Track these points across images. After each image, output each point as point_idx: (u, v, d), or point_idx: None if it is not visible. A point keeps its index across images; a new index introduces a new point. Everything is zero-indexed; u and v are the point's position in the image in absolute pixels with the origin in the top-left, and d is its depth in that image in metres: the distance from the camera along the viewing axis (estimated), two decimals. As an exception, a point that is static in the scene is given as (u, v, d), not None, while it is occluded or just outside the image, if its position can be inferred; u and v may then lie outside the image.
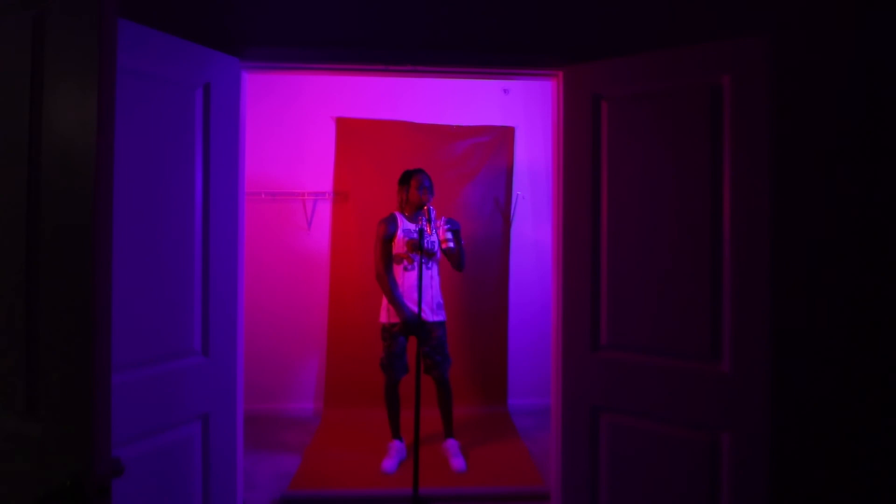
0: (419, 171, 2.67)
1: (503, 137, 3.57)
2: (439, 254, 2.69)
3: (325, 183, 3.53)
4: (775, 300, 1.50)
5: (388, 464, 2.59)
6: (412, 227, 2.63)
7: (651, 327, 1.59)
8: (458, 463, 2.62)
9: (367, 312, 3.46)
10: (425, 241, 2.53)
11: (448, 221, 2.43)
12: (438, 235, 2.41)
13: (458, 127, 3.52)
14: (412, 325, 2.54)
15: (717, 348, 1.50)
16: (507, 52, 1.79)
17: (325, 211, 3.54)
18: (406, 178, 2.68)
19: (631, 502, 1.62)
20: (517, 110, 3.60)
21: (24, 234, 0.95)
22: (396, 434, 2.75)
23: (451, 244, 2.39)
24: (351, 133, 3.51)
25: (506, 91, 3.59)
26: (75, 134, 0.90)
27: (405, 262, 2.62)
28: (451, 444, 2.73)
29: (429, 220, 2.23)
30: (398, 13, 1.78)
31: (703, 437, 1.52)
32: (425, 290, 2.58)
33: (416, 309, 2.55)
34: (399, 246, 2.61)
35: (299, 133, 3.51)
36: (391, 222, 2.63)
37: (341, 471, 2.58)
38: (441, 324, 2.66)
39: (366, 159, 3.50)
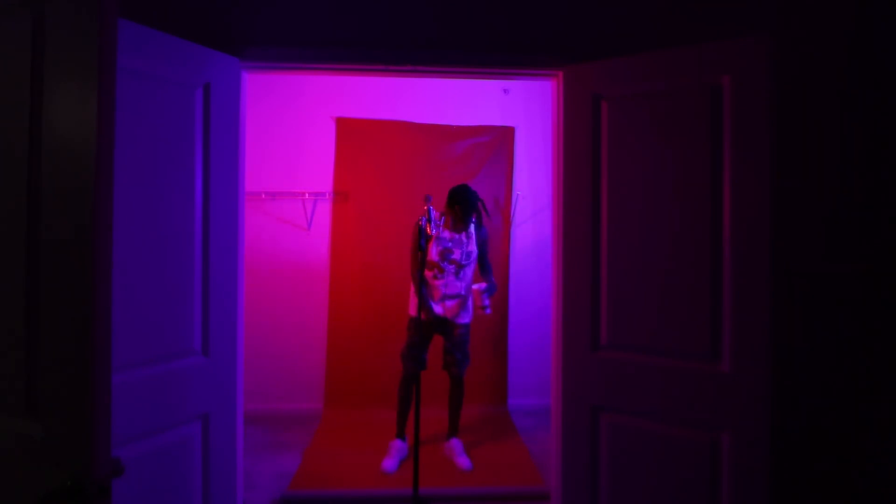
0: (464, 202, 2.54)
1: (503, 137, 3.57)
2: (473, 264, 2.74)
3: (325, 183, 3.53)
4: (775, 300, 1.50)
5: (389, 463, 2.59)
6: (446, 235, 2.65)
7: (651, 327, 1.59)
8: (463, 462, 2.62)
9: (368, 312, 3.46)
10: (458, 252, 2.64)
11: (487, 289, 2.51)
12: (474, 300, 2.56)
13: (458, 127, 3.52)
14: (433, 323, 2.66)
15: (717, 348, 1.50)
16: (507, 52, 1.79)
17: (325, 211, 3.53)
18: (452, 202, 2.58)
19: (631, 502, 1.62)
20: (517, 110, 3.60)
21: (24, 235, 0.95)
22: (401, 433, 2.75)
23: (489, 311, 2.52)
24: (351, 133, 3.51)
25: (506, 91, 3.58)
26: (75, 134, 0.90)
27: (435, 271, 2.66)
28: (456, 444, 2.74)
29: (429, 220, 2.23)
30: (398, 13, 1.78)
31: (703, 437, 1.52)
32: (451, 301, 2.69)
33: (439, 309, 2.68)
34: (432, 253, 2.64)
35: (299, 133, 3.51)
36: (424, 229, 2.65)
37: (341, 471, 2.58)
38: (464, 325, 2.73)
39: (366, 159, 3.50)
